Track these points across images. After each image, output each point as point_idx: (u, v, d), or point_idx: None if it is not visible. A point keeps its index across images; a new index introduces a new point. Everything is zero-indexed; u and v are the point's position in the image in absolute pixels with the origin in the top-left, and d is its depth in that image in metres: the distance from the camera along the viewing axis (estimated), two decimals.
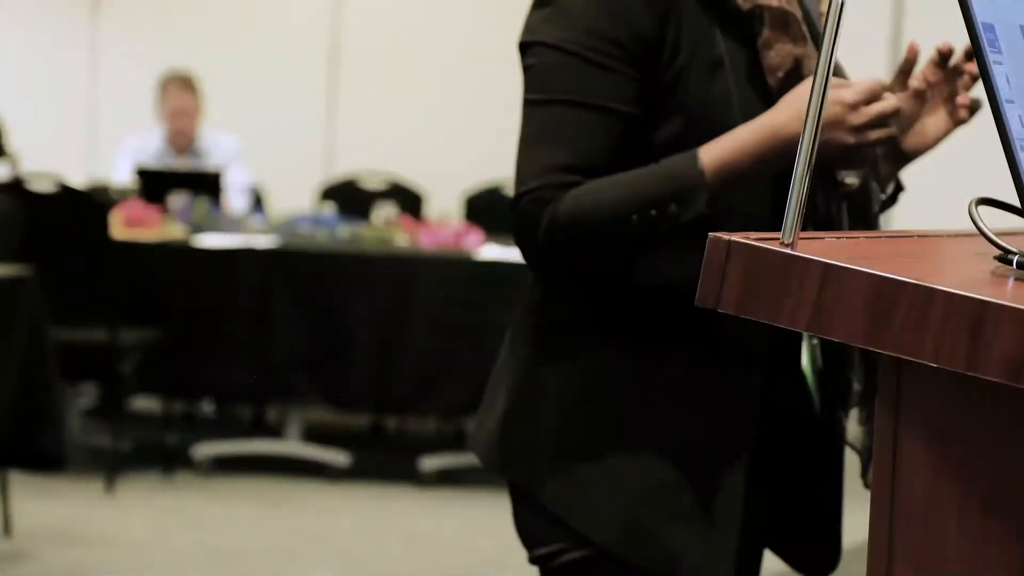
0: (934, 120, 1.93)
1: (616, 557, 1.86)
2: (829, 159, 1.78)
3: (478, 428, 1.99)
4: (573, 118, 1.82)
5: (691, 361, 1.87)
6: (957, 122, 1.96)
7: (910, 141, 1.94)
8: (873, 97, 1.77)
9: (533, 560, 1.94)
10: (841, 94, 1.76)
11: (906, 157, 1.96)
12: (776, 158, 1.76)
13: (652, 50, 1.82)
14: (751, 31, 1.85)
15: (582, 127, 1.81)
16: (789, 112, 1.77)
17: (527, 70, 1.87)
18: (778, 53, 1.84)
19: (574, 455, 1.87)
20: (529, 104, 1.86)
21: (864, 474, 1.92)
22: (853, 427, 1.93)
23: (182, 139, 7.29)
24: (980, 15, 1.21)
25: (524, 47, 1.88)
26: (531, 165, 1.83)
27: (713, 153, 1.79)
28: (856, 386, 1.90)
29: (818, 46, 1.87)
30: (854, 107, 1.76)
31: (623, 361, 1.87)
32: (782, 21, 1.85)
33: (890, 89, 1.88)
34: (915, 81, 1.93)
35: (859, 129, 1.76)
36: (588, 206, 1.79)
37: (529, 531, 1.94)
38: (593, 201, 1.80)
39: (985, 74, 1.20)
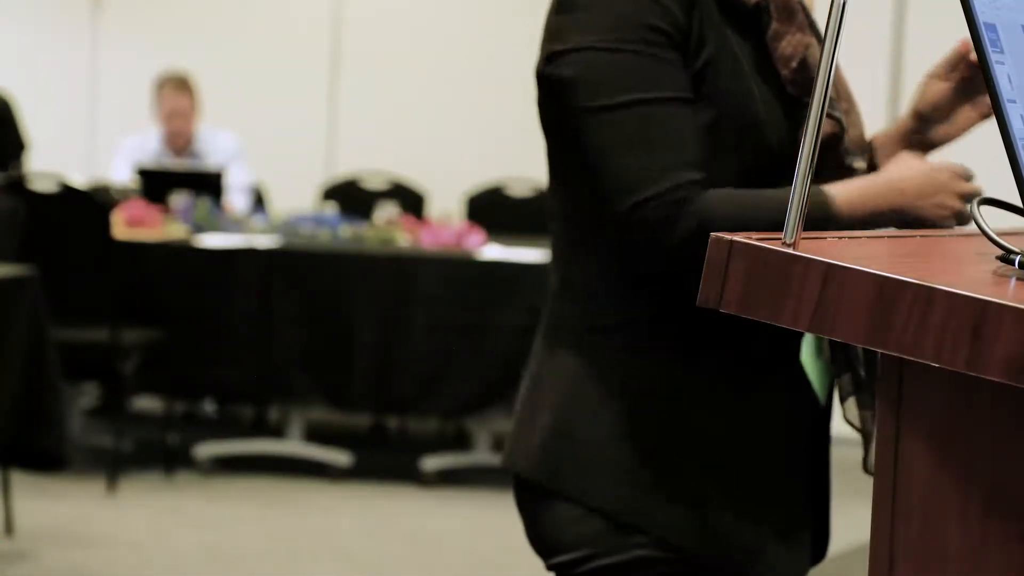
0: (963, 112, 1.95)
1: (692, 558, 1.85)
2: (933, 220, 1.86)
3: (517, 443, 1.95)
4: (655, 115, 1.78)
5: (750, 359, 1.88)
6: (983, 115, 1.97)
7: (941, 131, 1.96)
8: (968, 176, 1.88)
9: (552, 567, 1.92)
10: (952, 166, 1.87)
11: (933, 146, 1.98)
12: (888, 223, 1.85)
13: (684, 37, 1.81)
14: (756, 25, 1.86)
15: (668, 121, 1.79)
16: (915, 192, 1.85)
17: (570, 80, 1.81)
18: (790, 44, 1.85)
19: (637, 461, 1.85)
20: (593, 112, 1.80)
21: (865, 460, 1.93)
22: (851, 413, 1.94)
23: (179, 140, 7.28)
24: (982, 14, 1.21)
25: (555, 56, 1.83)
26: (642, 170, 1.77)
27: (844, 196, 1.83)
28: (861, 372, 1.91)
29: (815, 34, 1.89)
30: (961, 177, 1.87)
31: (682, 363, 1.86)
32: (787, 11, 1.86)
33: (937, 77, 1.93)
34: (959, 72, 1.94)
35: (962, 197, 1.86)
36: (749, 217, 1.77)
37: (551, 538, 1.91)
38: (753, 214, 1.79)
39: (987, 73, 1.20)
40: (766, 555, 1.89)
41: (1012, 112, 1.20)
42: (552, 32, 1.85)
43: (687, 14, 1.81)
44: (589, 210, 1.87)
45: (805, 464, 1.93)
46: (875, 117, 6.97)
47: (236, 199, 7.12)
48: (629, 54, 1.79)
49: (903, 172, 1.88)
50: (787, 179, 1.85)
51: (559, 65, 1.83)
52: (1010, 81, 1.22)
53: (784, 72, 1.86)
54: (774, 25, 1.86)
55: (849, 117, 1.93)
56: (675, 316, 1.85)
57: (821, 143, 1.89)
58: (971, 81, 1.91)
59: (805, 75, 1.85)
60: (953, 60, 1.93)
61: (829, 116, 1.89)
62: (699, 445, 1.87)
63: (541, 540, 1.94)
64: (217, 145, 7.33)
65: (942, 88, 1.92)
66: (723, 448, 1.87)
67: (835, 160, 1.90)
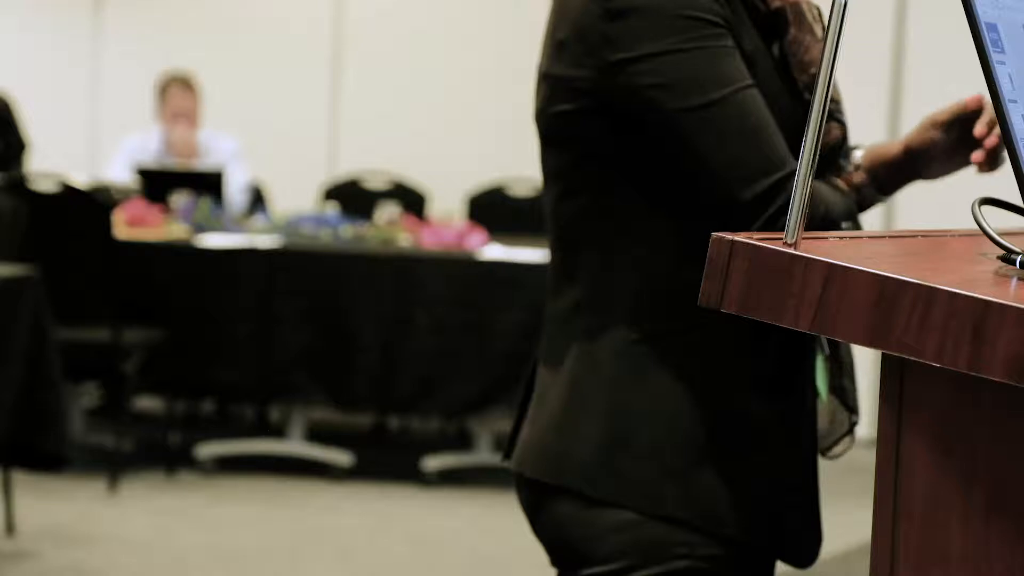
0: (953, 160, 1.97)
1: (736, 555, 1.87)
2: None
3: (561, 456, 1.90)
4: (747, 104, 1.79)
5: (789, 355, 1.89)
6: (973, 162, 1.98)
7: (929, 170, 1.99)
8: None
9: None
10: None
11: (918, 178, 2.00)
12: None
13: (731, 29, 1.82)
14: (773, 30, 1.86)
15: (759, 108, 1.80)
16: None
17: (654, 86, 1.79)
18: (808, 50, 1.86)
19: (697, 463, 1.85)
20: (691, 111, 1.78)
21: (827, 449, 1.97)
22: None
23: (184, 150, 7.25)
24: (983, 15, 1.21)
25: (620, 65, 1.80)
26: (763, 158, 1.78)
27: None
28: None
29: (814, 34, 1.89)
30: None
31: (733, 364, 1.86)
32: (799, 15, 1.87)
33: (935, 126, 1.93)
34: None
35: None
36: (831, 205, 1.84)
37: (588, 549, 1.88)
38: (835, 201, 1.85)
39: (988, 74, 1.20)
40: (798, 540, 1.91)
41: (1013, 112, 1.20)
42: (608, 40, 1.80)
43: (731, 9, 1.82)
44: (630, 220, 1.85)
45: (815, 461, 1.95)
46: (875, 117, 6.97)
47: (234, 199, 7.12)
48: (701, 51, 1.78)
49: None
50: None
51: (633, 74, 1.80)
52: (1011, 81, 1.22)
53: (803, 78, 1.86)
54: (792, 31, 1.86)
55: None
56: (724, 319, 1.84)
57: (829, 148, 1.90)
58: (966, 137, 1.92)
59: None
60: (953, 114, 1.93)
61: (838, 121, 1.90)
62: (753, 441, 1.87)
63: (572, 551, 1.90)
64: (217, 147, 7.33)
65: (937, 137, 1.92)
66: (770, 442, 1.88)
67: (837, 166, 1.91)
